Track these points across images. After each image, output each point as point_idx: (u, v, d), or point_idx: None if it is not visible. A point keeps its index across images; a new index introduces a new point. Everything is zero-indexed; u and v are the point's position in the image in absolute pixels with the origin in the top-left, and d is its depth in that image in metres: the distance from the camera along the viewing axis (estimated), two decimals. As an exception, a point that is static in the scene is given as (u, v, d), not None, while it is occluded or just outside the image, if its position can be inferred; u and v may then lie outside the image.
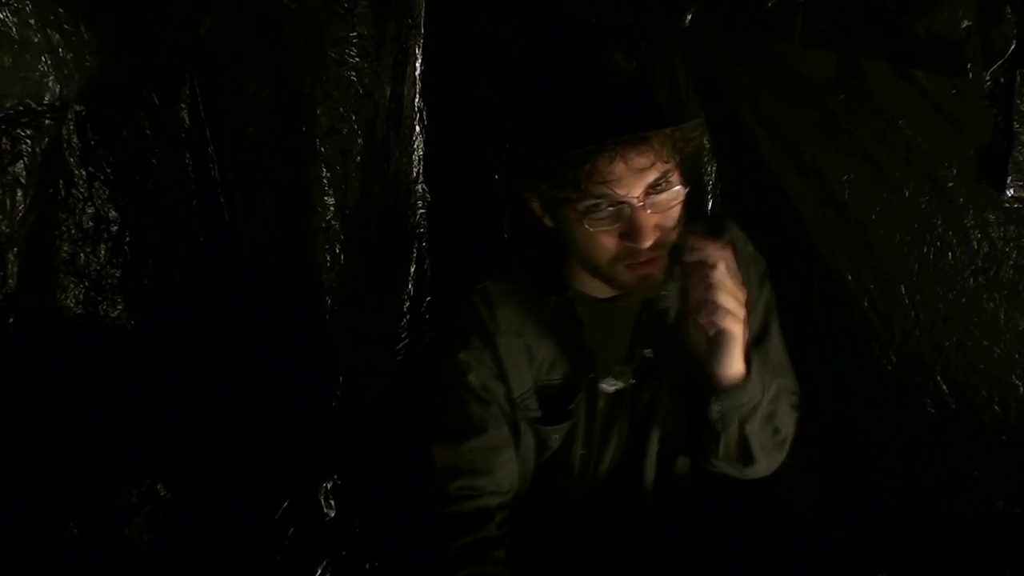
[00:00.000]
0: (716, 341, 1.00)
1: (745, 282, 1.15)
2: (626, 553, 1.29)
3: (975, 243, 1.66)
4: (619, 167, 0.93)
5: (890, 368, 1.78)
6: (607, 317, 1.15)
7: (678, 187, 0.99)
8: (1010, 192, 1.60)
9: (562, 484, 1.24)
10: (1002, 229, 1.64)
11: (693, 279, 0.97)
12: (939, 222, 1.68)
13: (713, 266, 0.95)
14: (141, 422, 1.82)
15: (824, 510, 1.89)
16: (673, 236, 1.02)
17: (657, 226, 0.98)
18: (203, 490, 1.86)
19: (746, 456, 1.12)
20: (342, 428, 2.10)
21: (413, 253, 2.27)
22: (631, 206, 0.95)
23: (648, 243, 0.97)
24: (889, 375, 1.78)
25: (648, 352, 1.18)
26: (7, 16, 1.54)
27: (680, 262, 1.00)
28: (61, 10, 1.63)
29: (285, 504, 1.89)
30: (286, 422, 2.03)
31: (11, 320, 1.64)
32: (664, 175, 0.97)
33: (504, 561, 1.14)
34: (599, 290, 1.14)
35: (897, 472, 1.82)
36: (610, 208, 0.96)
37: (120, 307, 1.82)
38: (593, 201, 0.95)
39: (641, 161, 0.94)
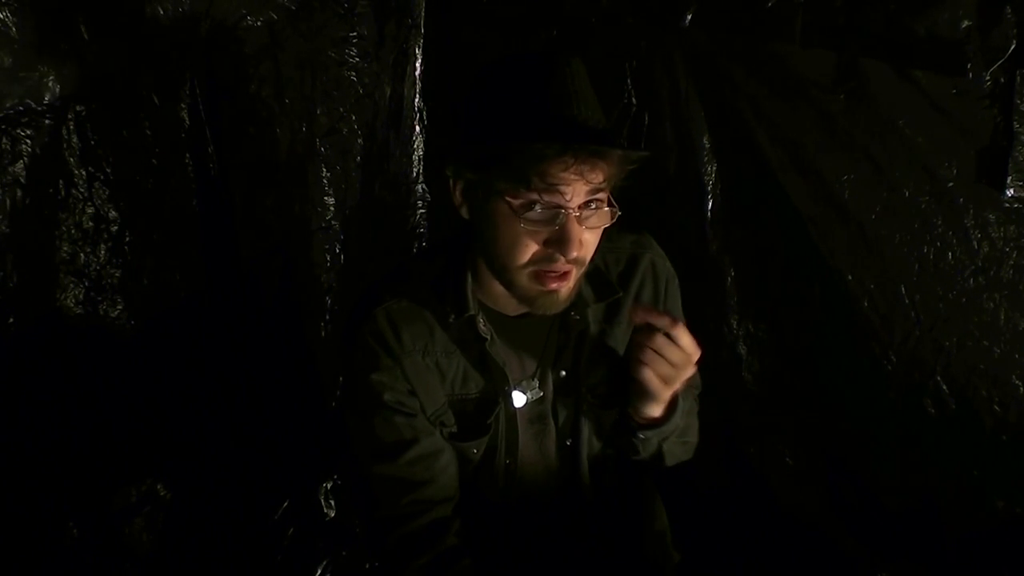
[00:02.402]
0: (648, 394, 1.04)
1: (667, 299, 1.22)
2: (569, 552, 1.29)
3: (975, 243, 1.66)
4: (571, 175, 0.93)
5: (890, 368, 1.78)
6: (514, 333, 1.14)
7: (611, 209, 1.00)
8: (1010, 192, 1.60)
9: (490, 492, 1.23)
10: (1002, 229, 1.64)
11: (639, 339, 1.01)
12: (939, 222, 1.68)
13: (661, 332, 0.99)
14: (141, 422, 1.82)
15: (824, 510, 1.89)
16: (589, 255, 1.02)
17: (583, 241, 0.98)
18: (203, 490, 1.86)
19: (658, 462, 1.20)
20: (342, 428, 2.10)
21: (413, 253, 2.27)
22: (567, 214, 0.95)
23: (572, 255, 0.96)
24: (889, 375, 1.78)
25: (563, 373, 1.18)
26: (7, 16, 1.54)
27: (631, 319, 1.04)
28: (61, 10, 1.63)
29: (285, 504, 1.89)
30: (286, 422, 2.03)
31: (11, 320, 1.64)
32: (602, 194, 0.98)
33: (471, 570, 1.12)
34: (507, 307, 1.14)
35: (897, 472, 1.82)
36: (546, 211, 0.95)
37: (120, 307, 1.82)
38: (533, 199, 0.95)
39: (593, 175, 0.94)
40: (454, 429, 1.17)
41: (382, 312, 1.12)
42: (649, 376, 1.01)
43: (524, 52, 1.04)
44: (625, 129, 1.96)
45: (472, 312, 1.11)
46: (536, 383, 1.18)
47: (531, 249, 0.98)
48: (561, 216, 0.95)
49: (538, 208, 0.95)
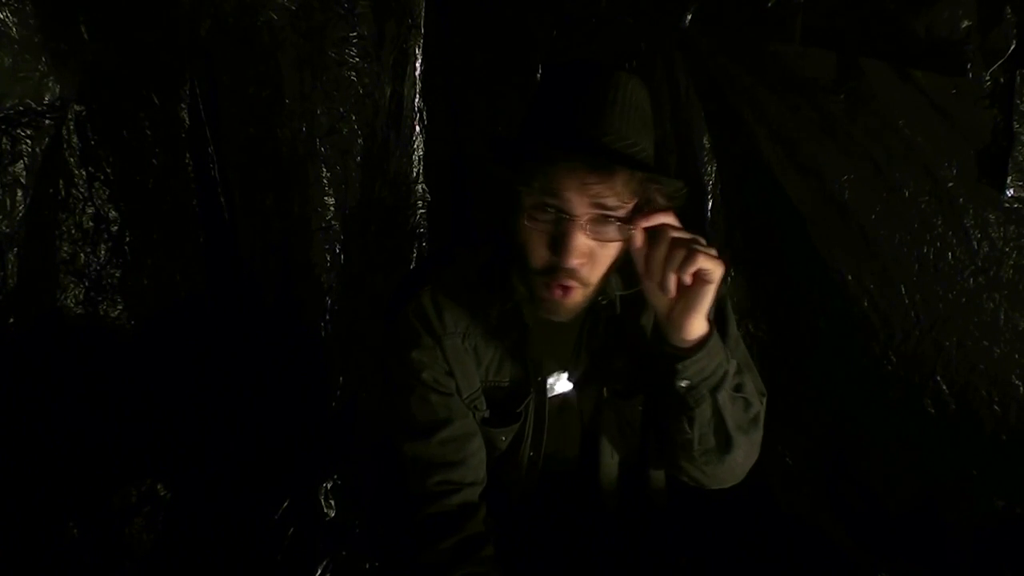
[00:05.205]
0: (685, 298, 0.98)
1: None
2: (588, 554, 1.29)
3: (975, 243, 1.66)
4: (572, 183, 0.93)
5: (890, 368, 1.78)
6: (551, 323, 1.11)
7: (622, 227, 0.98)
8: (1010, 192, 1.60)
9: (511, 484, 1.24)
10: (1002, 229, 1.64)
11: (659, 238, 0.96)
12: (939, 222, 1.68)
13: (674, 225, 0.97)
14: (141, 422, 1.82)
15: (824, 510, 1.89)
16: (599, 271, 1.01)
17: (587, 252, 0.98)
18: (203, 490, 1.86)
19: (724, 438, 1.07)
20: (342, 428, 2.10)
21: (413, 253, 2.27)
22: (570, 220, 0.95)
23: (571, 262, 0.96)
24: (889, 375, 1.78)
25: (590, 362, 1.18)
26: (7, 16, 1.55)
27: (639, 227, 0.98)
28: (61, 10, 1.63)
29: (285, 504, 1.89)
30: (286, 422, 2.03)
31: (11, 320, 1.64)
32: (615, 210, 0.96)
33: (494, 560, 1.12)
34: None
35: (897, 472, 1.82)
36: (553, 213, 0.96)
37: (120, 307, 1.82)
38: (540, 200, 0.96)
39: (599, 190, 0.93)
40: (486, 414, 1.19)
41: (428, 292, 1.14)
42: (671, 262, 0.95)
43: (589, 59, 1.04)
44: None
45: (518, 299, 1.12)
46: (566, 375, 1.20)
47: (538, 252, 0.99)
48: (564, 222, 0.95)
49: (546, 210, 0.96)
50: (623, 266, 1.08)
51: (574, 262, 0.97)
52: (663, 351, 1.04)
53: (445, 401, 1.15)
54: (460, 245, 1.24)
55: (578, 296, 1.02)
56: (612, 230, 0.98)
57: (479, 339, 1.16)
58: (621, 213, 0.96)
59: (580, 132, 0.94)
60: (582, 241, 0.96)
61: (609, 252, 1.00)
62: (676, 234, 0.96)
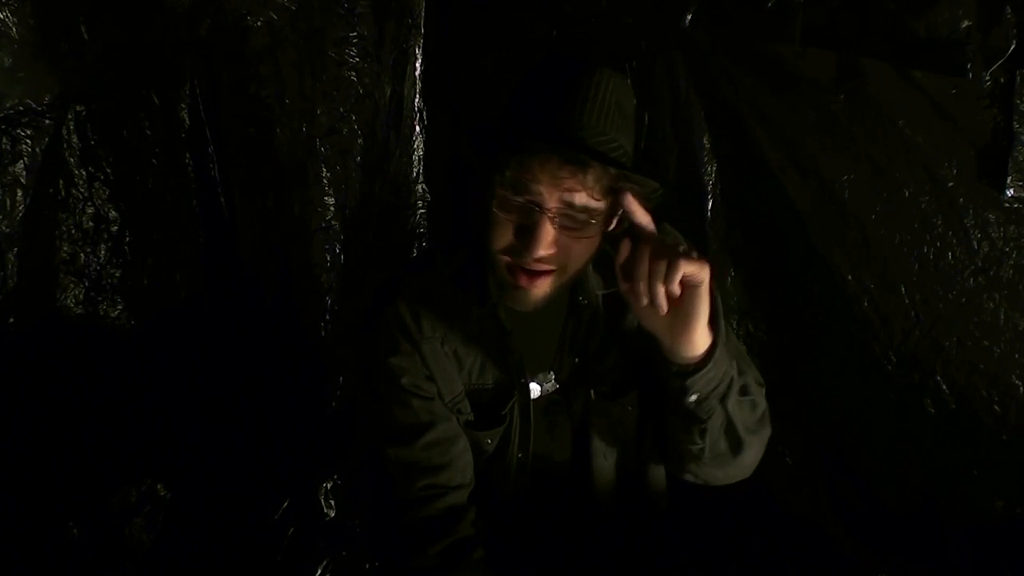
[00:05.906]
0: (680, 310, 0.92)
1: None
2: (584, 556, 1.29)
3: (975, 243, 1.66)
4: (544, 175, 0.93)
5: (890, 368, 1.78)
6: (531, 324, 1.12)
7: (593, 223, 0.96)
8: (1010, 192, 1.60)
9: (501, 486, 1.24)
10: (1002, 229, 1.64)
11: (638, 254, 0.91)
12: (939, 222, 1.68)
13: (651, 231, 0.93)
14: (141, 422, 1.82)
15: (824, 510, 1.89)
16: (571, 265, 1.01)
17: (555, 243, 0.96)
18: (203, 490, 1.86)
19: (735, 442, 1.04)
20: (342, 428, 2.11)
21: (413, 253, 2.27)
22: (541, 211, 0.95)
23: (536, 252, 0.95)
24: (889, 375, 1.78)
25: (576, 360, 1.17)
26: (7, 16, 1.55)
27: (618, 239, 0.95)
28: (61, 10, 1.63)
29: (285, 504, 1.89)
30: (286, 422, 2.03)
31: (11, 320, 1.64)
32: (586, 206, 0.95)
33: (485, 563, 1.11)
34: None
35: (897, 472, 1.82)
36: (522, 202, 0.95)
37: (120, 307, 1.82)
38: (512, 189, 0.95)
39: (571, 183, 0.93)
40: (470, 417, 1.18)
41: (404, 298, 1.14)
42: (658, 277, 0.89)
43: (570, 55, 1.03)
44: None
45: (494, 301, 1.12)
46: (552, 375, 1.19)
47: (503, 237, 0.98)
48: (535, 211, 0.95)
49: (515, 198, 0.95)
50: (603, 265, 1.07)
51: (541, 253, 0.96)
52: (669, 369, 0.99)
53: (427, 405, 1.14)
54: (436, 248, 1.23)
55: (546, 285, 1.01)
56: (582, 226, 0.97)
57: (459, 343, 1.15)
58: (593, 209, 0.95)
59: (556, 126, 0.94)
60: (550, 233, 0.95)
61: (579, 246, 0.99)
62: (653, 245, 0.91)
